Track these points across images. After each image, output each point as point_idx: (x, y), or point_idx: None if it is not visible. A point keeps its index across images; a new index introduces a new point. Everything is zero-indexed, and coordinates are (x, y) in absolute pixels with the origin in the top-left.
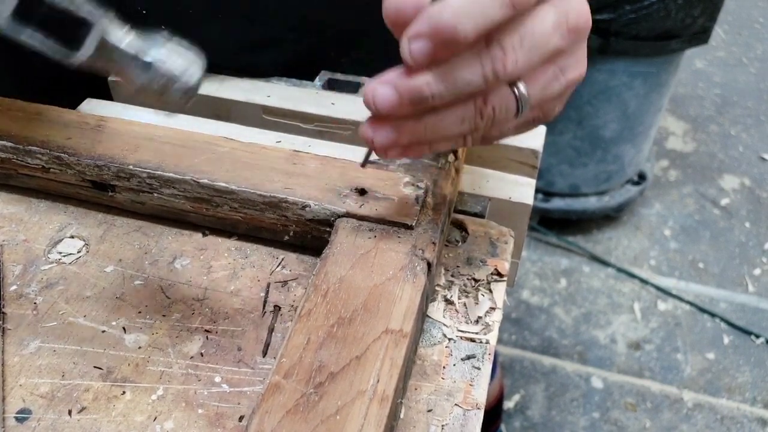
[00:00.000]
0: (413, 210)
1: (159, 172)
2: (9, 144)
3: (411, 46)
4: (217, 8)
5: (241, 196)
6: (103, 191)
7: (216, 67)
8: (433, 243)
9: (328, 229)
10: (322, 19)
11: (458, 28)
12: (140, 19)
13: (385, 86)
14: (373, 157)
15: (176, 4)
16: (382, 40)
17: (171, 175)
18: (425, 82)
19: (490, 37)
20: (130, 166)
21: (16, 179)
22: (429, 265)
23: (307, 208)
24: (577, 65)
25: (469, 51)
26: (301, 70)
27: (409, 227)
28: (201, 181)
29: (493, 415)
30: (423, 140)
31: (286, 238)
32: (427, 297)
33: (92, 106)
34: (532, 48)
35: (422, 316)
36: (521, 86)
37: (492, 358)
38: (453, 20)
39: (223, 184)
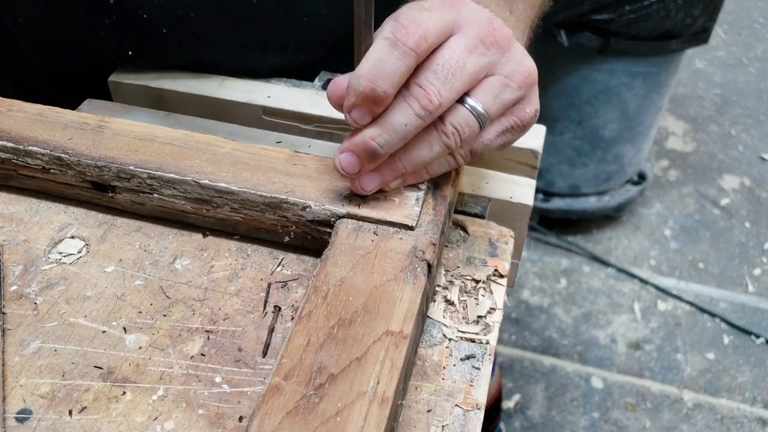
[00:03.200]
0: (413, 211)
1: (159, 173)
2: (9, 144)
3: (350, 115)
4: (218, 11)
5: (242, 197)
6: (103, 192)
7: (216, 69)
8: (434, 244)
9: (328, 230)
10: (323, 23)
11: (376, 88)
12: (142, 23)
13: (344, 154)
14: None
15: (178, 7)
16: None
17: (171, 175)
18: (370, 137)
19: (409, 81)
20: (131, 167)
21: (16, 180)
22: (429, 266)
23: (308, 209)
24: (519, 67)
25: (397, 99)
26: (301, 73)
27: (410, 228)
28: (201, 181)
29: (492, 413)
30: (407, 171)
31: (287, 239)
32: (428, 298)
33: (92, 107)
34: (449, 75)
35: (422, 317)
36: (470, 100)
37: (492, 358)
38: (369, 84)
39: (224, 185)
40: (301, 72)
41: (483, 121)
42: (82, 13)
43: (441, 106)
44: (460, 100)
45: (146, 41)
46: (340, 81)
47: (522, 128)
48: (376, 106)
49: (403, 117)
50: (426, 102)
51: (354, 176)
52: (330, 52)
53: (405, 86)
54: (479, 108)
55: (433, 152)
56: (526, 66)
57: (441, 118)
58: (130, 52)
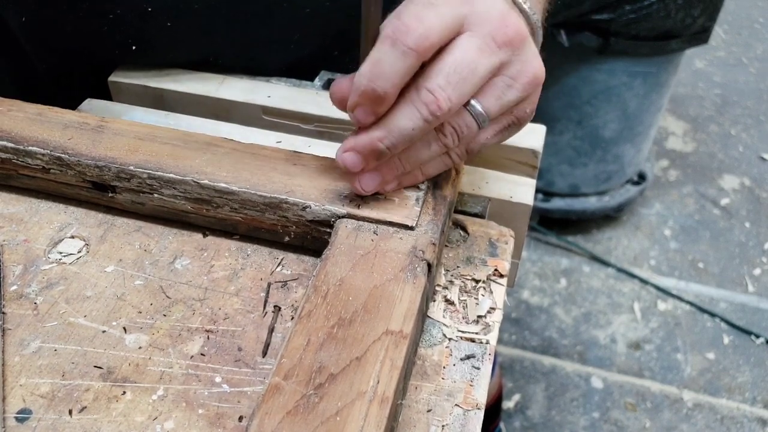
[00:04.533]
0: (413, 211)
1: (159, 173)
2: (9, 144)
3: (355, 114)
4: (222, 4)
5: (242, 197)
6: (103, 192)
7: (219, 66)
8: (434, 243)
9: (328, 229)
10: (326, 15)
11: (376, 88)
12: (145, 17)
13: (348, 153)
14: None
15: (181, 2)
16: None
17: (171, 175)
18: (378, 138)
19: (418, 84)
20: (131, 167)
21: (16, 179)
22: (429, 265)
23: (308, 209)
24: (526, 68)
25: (405, 102)
26: (303, 70)
27: (410, 228)
28: (201, 181)
29: (492, 413)
30: (405, 171)
31: (287, 239)
32: (428, 297)
33: (92, 106)
34: (461, 81)
35: (422, 316)
36: (474, 102)
37: (492, 358)
38: (369, 84)
39: (224, 185)
40: (304, 68)
41: (482, 122)
42: (87, 7)
43: (450, 111)
44: None
45: (150, 36)
46: (342, 81)
47: (519, 126)
48: (377, 106)
49: (411, 122)
50: (435, 108)
51: (355, 174)
52: (333, 45)
53: (414, 88)
54: (479, 109)
55: (431, 151)
56: (534, 67)
57: None
58: (133, 47)
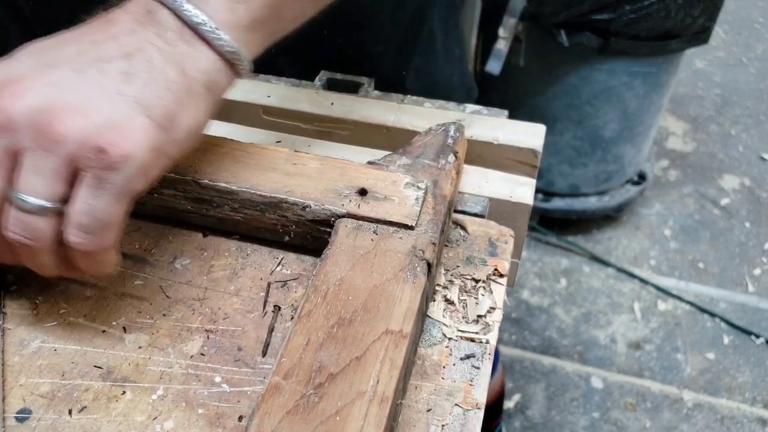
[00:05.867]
0: (413, 210)
1: None
2: None
3: None
4: None
5: (242, 197)
6: None
7: None
8: (433, 243)
9: (328, 229)
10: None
11: None
12: None
13: None
14: (374, 157)
15: None
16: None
17: (171, 175)
18: None
19: None
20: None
21: None
22: (429, 265)
23: (308, 209)
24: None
25: None
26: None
27: (409, 227)
28: (201, 181)
29: (494, 412)
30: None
31: (287, 238)
32: (427, 297)
33: None
34: None
35: (422, 316)
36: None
37: (492, 357)
38: None
39: (224, 185)
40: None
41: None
42: None
43: None
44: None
45: None
46: None
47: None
48: None
49: None
50: None
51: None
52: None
53: None
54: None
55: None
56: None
57: None
58: None
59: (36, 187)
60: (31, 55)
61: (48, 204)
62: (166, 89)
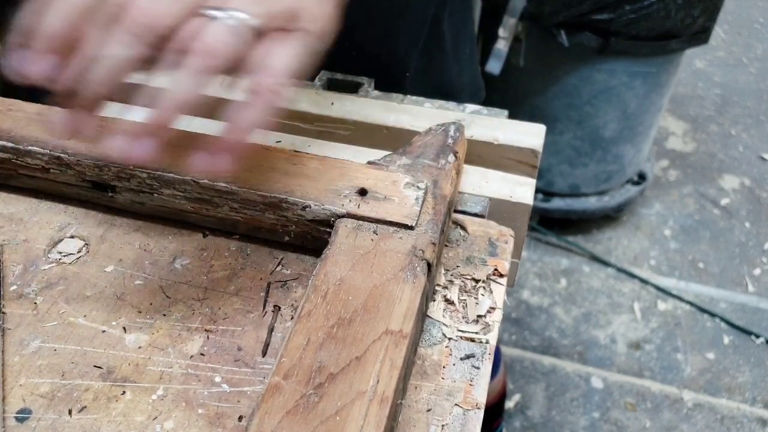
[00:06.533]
0: (413, 210)
1: (159, 173)
2: (9, 144)
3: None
4: None
5: (242, 197)
6: (103, 192)
7: None
8: (433, 243)
9: (328, 229)
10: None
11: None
12: None
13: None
14: (374, 157)
15: None
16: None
17: (171, 175)
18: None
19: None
20: (131, 167)
21: (16, 179)
22: (429, 265)
23: (308, 209)
24: None
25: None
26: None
27: (409, 227)
28: (201, 181)
29: (495, 412)
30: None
31: (287, 238)
32: (427, 297)
33: None
34: None
35: (422, 316)
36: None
37: (492, 357)
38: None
39: (223, 185)
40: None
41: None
42: None
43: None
44: None
45: None
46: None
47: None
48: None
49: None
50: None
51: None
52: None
53: None
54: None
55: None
56: None
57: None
58: None
59: (248, 7)
60: None
61: (256, 22)
62: None
